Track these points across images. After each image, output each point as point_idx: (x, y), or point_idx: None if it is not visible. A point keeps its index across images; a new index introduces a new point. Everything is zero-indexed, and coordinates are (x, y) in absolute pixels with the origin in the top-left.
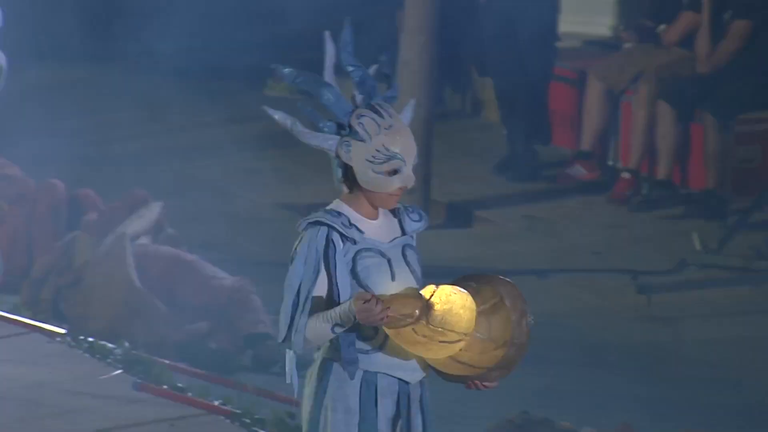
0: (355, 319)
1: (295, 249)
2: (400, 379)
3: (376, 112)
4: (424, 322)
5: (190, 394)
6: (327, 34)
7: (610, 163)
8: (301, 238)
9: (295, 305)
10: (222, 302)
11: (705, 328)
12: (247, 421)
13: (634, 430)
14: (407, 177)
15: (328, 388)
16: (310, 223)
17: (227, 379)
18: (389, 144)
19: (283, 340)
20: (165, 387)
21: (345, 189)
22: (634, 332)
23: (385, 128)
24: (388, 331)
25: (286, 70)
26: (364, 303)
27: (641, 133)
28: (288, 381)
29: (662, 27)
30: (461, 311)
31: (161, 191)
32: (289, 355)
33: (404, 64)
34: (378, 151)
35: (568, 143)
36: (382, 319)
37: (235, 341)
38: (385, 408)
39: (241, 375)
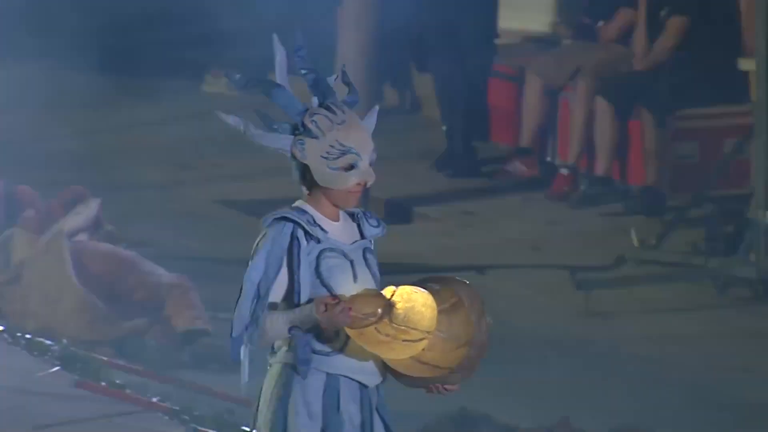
0: (316, 322)
1: (258, 244)
2: (360, 383)
3: (329, 109)
4: (386, 321)
5: (128, 390)
6: (275, 37)
7: (549, 159)
8: (265, 234)
9: (255, 300)
10: (160, 299)
11: (643, 324)
12: (186, 417)
13: (572, 425)
14: (364, 172)
15: (291, 393)
16: (275, 219)
17: (165, 375)
18: (343, 139)
19: (239, 335)
20: (103, 384)
21: (305, 190)
22: (572, 328)
23: (338, 123)
24: (350, 332)
25: (237, 77)
26: (326, 307)
27: (579, 130)
28: (243, 377)
29: (600, 24)
30: (423, 309)
31: (99, 188)
32: (244, 352)
33: (343, 60)
34: (332, 146)
35: (507, 140)
36: (344, 320)
37: (173, 338)
38: (351, 415)
39: (179, 372)
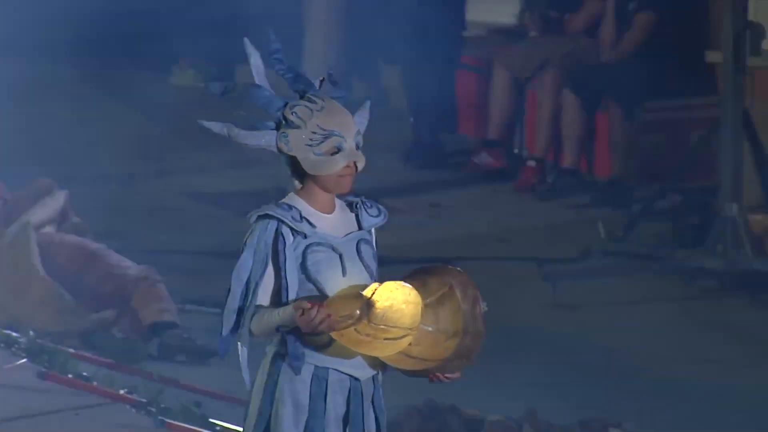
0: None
1: (245, 242)
2: (351, 376)
3: (309, 100)
4: (365, 321)
5: (95, 383)
6: (246, 41)
7: (516, 151)
8: (252, 231)
9: (243, 298)
10: (127, 291)
11: (609, 316)
12: (153, 410)
13: (539, 416)
14: (351, 152)
15: (278, 382)
16: (260, 216)
17: (133, 367)
18: (324, 123)
19: (228, 334)
20: (70, 376)
21: (297, 183)
22: (540, 320)
23: (318, 110)
24: (332, 333)
25: (215, 85)
26: (303, 313)
27: (547, 122)
28: (245, 377)
29: (567, 15)
30: (404, 306)
31: (66, 180)
32: (241, 350)
33: (310, 53)
34: (314, 132)
35: (475, 132)
36: (322, 324)
37: (140, 330)
38: (336, 405)
39: (146, 364)
